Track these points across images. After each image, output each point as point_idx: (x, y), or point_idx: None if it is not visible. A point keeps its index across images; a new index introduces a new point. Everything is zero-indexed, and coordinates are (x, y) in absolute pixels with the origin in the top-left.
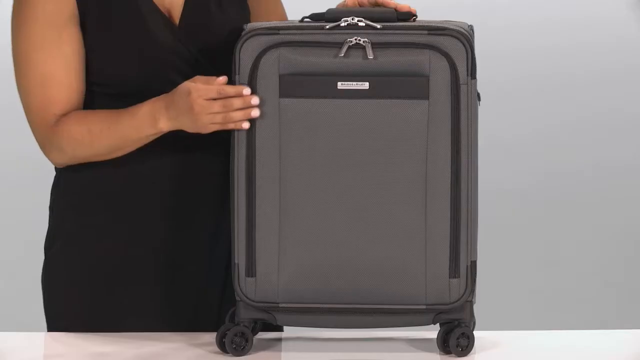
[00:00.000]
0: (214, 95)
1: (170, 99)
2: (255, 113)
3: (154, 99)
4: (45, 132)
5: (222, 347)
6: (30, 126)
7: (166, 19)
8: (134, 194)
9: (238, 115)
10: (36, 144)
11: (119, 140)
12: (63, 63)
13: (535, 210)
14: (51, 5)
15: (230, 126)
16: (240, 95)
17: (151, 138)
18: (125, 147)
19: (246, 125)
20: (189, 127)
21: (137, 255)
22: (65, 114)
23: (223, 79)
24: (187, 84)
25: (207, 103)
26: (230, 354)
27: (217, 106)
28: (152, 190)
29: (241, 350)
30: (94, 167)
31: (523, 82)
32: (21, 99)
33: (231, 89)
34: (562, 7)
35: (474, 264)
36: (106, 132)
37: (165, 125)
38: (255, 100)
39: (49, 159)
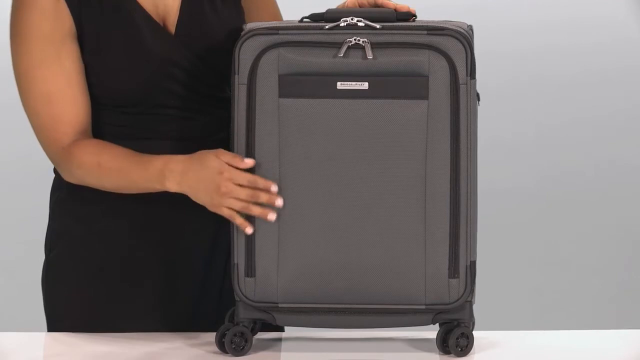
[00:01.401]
0: (244, 183)
1: (192, 167)
2: (272, 217)
3: (169, 157)
4: (57, 152)
5: (222, 347)
6: (42, 146)
7: (161, 28)
8: (133, 195)
9: (257, 210)
10: (35, 144)
11: (125, 183)
12: (65, 79)
13: (535, 210)
14: (48, 23)
15: (238, 221)
16: (267, 190)
17: (154, 191)
18: (131, 190)
19: (250, 230)
20: (201, 200)
21: (137, 256)
22: (78, 134)
23: (252, 161)
24: (216, 160)
25: (235, 188)
26: (229, 354)
27: (244, 194)
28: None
29: (240, 350)
30: None
31: (523, 82)
32: (29, 120)
33: (261, 182)
34: (562, 7)
35: (473, 264)
36: (115, 172)
37: (172, 187)
38: (279, 202)
39: (61, 174)
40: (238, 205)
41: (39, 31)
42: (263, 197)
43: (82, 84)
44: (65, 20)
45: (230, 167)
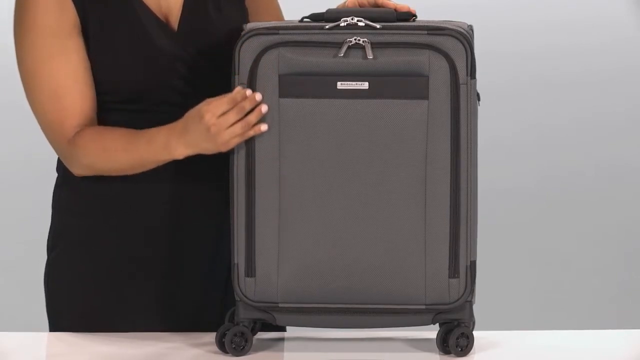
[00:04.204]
0: (226, 108)
1: (184, 126)
2: (264, 108)
3: (170, 125)
4: (64, 146)
5: (222, 347)
6: (49, 141)
7: (163, 24)
8: (135, 195)
9: (253, 117)
10: (35, 144)
11: (134, 162)
12: (72, 72)
13: (535, 210)
14: (53, 17)
15: (251, 133)
16: (244, 97)
17: (167, 161)
18: (142, 168)
19: (264, 127)
20: (210, 149)
21: (140, 256)
22: (82, 126)
23: (239, 88)
24: (196, 108)
25: (221, 119)
26: (229, 354)
27: (232, 117)
28: (154, 191)
29: (241, 350)
30: None
31: (523, 82)
32: (36, 116)
33: (237, 95)
34: (562, 7)
35: (473, 264)
36: (121, 152)
37: (182, 152)
38: (258, 96)
39: (72, 172)
40: (237, 130)
41: (45, 25)
42: (247, 105)
43: (89, 78)
44: (69, 15)
45: (209, 106)
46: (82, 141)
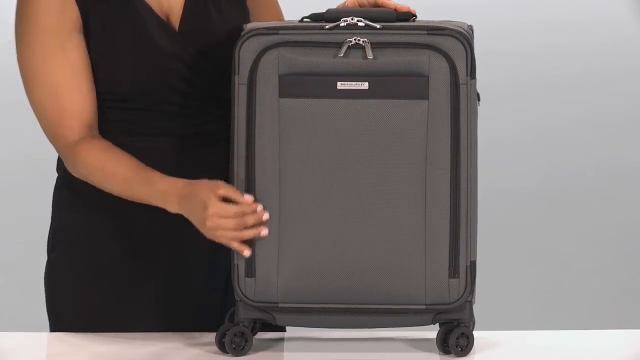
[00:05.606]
0: (231, 215)
1: (186, 196)
2: (265, 233)
3: (176, 182)
4: (63, 145)
5: (222, 347)
6: (49, 139)
7: (165, 24)
8: None
9: (249, 232)
10: (35, 144)
11: (127, 193)
12: (71, 71)
13: (535, 210)
14: (55, 15)
15: (235, 246)
16: (254, 211)
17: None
18: (132, 199)
19: (247, 252)
20: (198, 229)
21: (139, 257)
22: (84, 128)
23: (250, 198)
24: (207, 190)
25: (221, 221)
26: (229, 354)
27: (231, 225)
28: None
29: (240, 350)
30: None
31: (523, 82)
32: (36, 114)
33: (247, 208)
34: (562, 7)
35: (473, 264)
36: (118, 181)
37: (174, 210)
38: (266, 215)
39: (66, 167)
40: (229, 235)
41: (45, 23)
42: (250, 221)
43: (89, 77)
44: (71, 14)
45: (217, 202)
46: (84, 153)
